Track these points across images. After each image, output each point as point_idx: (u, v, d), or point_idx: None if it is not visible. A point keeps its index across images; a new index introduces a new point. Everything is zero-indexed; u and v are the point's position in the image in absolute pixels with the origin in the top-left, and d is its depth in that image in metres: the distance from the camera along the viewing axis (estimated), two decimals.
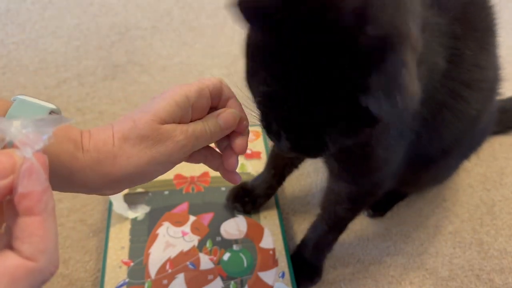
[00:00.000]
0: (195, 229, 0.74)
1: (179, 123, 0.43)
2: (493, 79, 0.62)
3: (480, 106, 0.59)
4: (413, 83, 0.35)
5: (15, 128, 0.28)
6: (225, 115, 0.45)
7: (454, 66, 0.51)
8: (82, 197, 0.81)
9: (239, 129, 0.47)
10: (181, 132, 0.42)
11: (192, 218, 0.75)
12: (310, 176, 0.87)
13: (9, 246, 0.28)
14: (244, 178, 0.81)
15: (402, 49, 0.35)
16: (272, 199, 0.78)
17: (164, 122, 0.41)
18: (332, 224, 0.68)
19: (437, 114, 0.55)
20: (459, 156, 0.73)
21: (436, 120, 0.56)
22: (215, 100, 0.46)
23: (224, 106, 0.47)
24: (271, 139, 0.47)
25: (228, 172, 0.48)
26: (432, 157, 0.64)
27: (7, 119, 0.29)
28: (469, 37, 0.53)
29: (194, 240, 0.72)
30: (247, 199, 0.76)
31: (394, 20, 0.36)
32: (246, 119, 0.47)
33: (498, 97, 0.68)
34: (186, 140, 0.42)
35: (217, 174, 0.81)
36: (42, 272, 0.28)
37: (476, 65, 0.55)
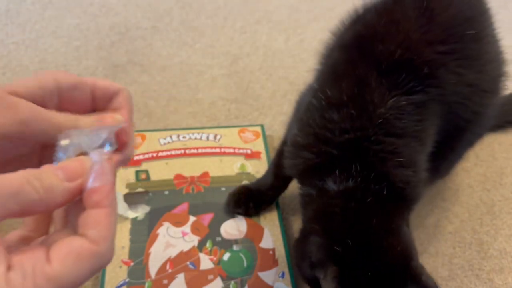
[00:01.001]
0: (195, 229, 0.74)
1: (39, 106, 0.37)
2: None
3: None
4: None
5: (85, 137, 0.34)
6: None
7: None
8: None
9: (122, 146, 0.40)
10: (27, 106, 0.35)
11: (192, 219, 0.75)
12: None
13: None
14: (244, 179, 0.82)
15: None
16: None
17: (16, 94, 0.36)
18: None
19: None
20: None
21: None
22: (101, 102, 0.40)
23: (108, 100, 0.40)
24: None
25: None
26: None
27: (78, 130, 0.35)
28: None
29: (194, 240, 0.72)
30: (252, 204, 0.76)
31: None
32: (131, 138, 0.41)
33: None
34: (29, 114, 0.35)
35: (217, 174, 0.82)
36: (103, 256, 0.32)
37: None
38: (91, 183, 0.32)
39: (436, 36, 0.56)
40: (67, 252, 0.29)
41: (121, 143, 0.39)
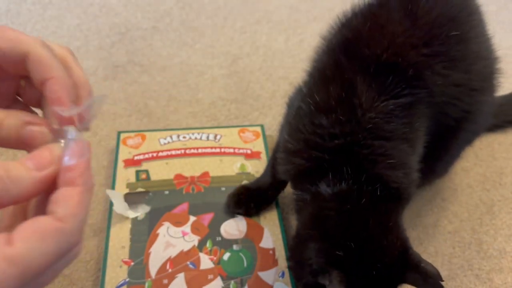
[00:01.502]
0: (195, 229, 0.74)
1: None
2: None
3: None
4: None
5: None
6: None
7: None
8: None
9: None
10: None
11: (192, 218, 0.75)
12: None
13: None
14: (244, 178, 0.82)
15: None
16: None
17: None
18: None
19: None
20: None
21: None
22: (17, 67, 0.34)
23: (40, 83, 0.34)
24: None
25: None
26: None
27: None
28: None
29: (194, 240, 0.73)
30: (252, 204, 0.76)
31: None
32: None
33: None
34: None
35: (217, 174, 0.83)
36: (69, 234, 0.29)
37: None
38: (66, 161, 0.31)
39: (420, 39, 0.57)
40: (31, 231, 0.28)
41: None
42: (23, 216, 0.35)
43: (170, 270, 0.69)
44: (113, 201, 0.75)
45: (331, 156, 0.55)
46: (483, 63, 0.63)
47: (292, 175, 0.60)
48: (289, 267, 0.61)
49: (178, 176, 0.82)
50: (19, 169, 0.30)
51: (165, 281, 0.67)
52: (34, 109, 0.40)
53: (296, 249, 0.58)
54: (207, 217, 0.76)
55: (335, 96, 0.55)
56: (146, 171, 0.82)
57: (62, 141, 0.33)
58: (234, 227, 0.75)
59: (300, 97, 0.61)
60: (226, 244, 0.73)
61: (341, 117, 0.54)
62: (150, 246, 0.72)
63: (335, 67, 0.58)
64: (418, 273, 0.51)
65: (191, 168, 0.83)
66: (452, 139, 0.67)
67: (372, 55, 0.56)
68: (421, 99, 0.56)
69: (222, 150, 0.86)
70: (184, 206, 0.77)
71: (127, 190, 0.79)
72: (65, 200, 0.30)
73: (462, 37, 0.59)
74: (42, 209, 0.31)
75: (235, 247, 0.72)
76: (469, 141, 0.75)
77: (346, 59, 0.57)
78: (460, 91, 0.60)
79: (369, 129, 0.54)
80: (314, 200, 0.57)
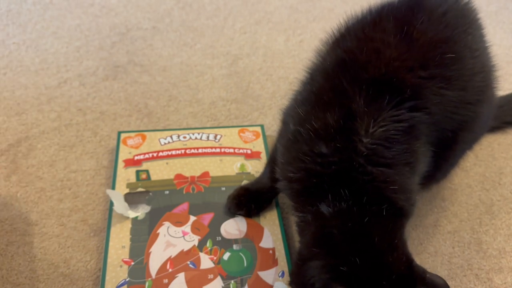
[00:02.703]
0: (195, 229, 0.74)
1: None
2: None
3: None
4: None
5: None
6: None
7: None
8: (83, 197, 0.82)
9: None
10: None
11: (192, 218, 0.76)
12: None
13: None
14: (244, 178, 0.82)
15: None
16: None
17: None
18: None
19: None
20: None
21: None
22: None
23: None
24: None
25: None
26: None
27: None
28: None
29: (194, 239, 0.73)
30: (253, 205, 0.76)
31: None
32: None
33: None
34: None
35: (217, 174, 0.83)
36: None
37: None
38: None
39: (416, 61, 0.57)
40: None
41: None
42: None
43: (170, 270, 0.69)
44: (113, 201, 0.75)
45: (330, 180, 0.55)
46: (479, 77, 0.63)
47: (293, 198, 0.61)
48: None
49: (178, 176, 0.82)
50: None
51: (165, 281, 0.67)
52: None
53: (298, 271, 0.57)
54: (207, 217, 0.76)
55: (333, 124, 0.55)
56: (146, 171, 0.82)
57: None
58: (234, 227, 0.75)
59: (297, 120, 0.60)
60: (226, 243, 0.73)
61: (338, 145, 0.54)
62: (151, 245, 0.72)
63: (332, 92, 0.57)
64: (425, 286, 0.50)
65: (191, 168, 0.83)
66: (451, 149, 0.68)
67: (370, 79, 0.56)
68: (420, 120, 0.56)
69: (222, 150, 0.87)
70: (184, 206, 0.77)
71: (127, 190, 0.79)
72: None
73: (457, 57, 0.59)
74: None
75: (235, 246, 0.72)
76: (467, 148, 0.75)
77: (343, 83, 0.57)
78: (456, 106, 0.60)
79: (366, 156, 0.54)
80: (315, 219, 0.56)
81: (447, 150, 0.67)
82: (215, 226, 0.75)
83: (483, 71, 0.64)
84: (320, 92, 0.59)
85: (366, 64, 0.57)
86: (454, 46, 0.60)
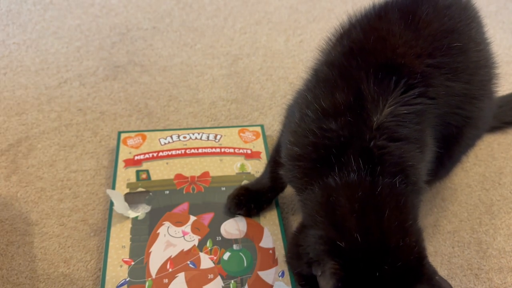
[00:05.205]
0: (195, 229, 0.74)
1: None
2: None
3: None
4: None
5: None
6: None
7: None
8: (83, 197, 0.82)
9: None
10: None
11: (192, 218, 0.76)
12: None
13: None
14: (244, 178, 0.82)
15: None
16: None
17: None
18: None
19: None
20: None
21: None
22: None
23: None
24: None
25: None
26: None
27: None
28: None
29: (194, 239, 0.73)
30: (253, 205, 0.76)
31: None
32: None
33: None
34: None
35: (217, 174, 0.83)
36: None
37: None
38: None
39: (424, 49, 0.57)
40: None
41: None
42: None
43: (170, 270, 0.69)
44: (114, 201, 0.75)
45: (338, 152, 0.53)
46: (483, 71, 0.64)
47: (298, 179, 0.58)
48: (287, 261, 0.58)
49: (179, 176, 0.82)
50: None
51: (166, 281, 0.67)
52: None
53: (295, 239, 0.55)
54: (207, 217, 0.76)
55: (342, 102, 0.55)
56: (147, 171, 0.82)
57: None
58: (234, 227, 0.75)
59: (304, 105, 0.59)
60: (226, 243, 0.73)
61: (350, 119, 0.53)
62: (151, 245, 0.72)
63: (339, 77, 0.57)
64: (431, 286, 0.47)
65: (191, 168, 0.83)
66: (455, 146, 0.67)
67: (378, 63, 0.56)
68: (429, 109, 0.56)
69: (222, 150, 0.87)
70: (185, 206, 0.77)
71: (127, 190, 0.79)
72: None
73: (463, 48, 0.60)
74: None
75: (235, 246, 0.73)
76: (471, 146, 0.75)
77: (351, 69, 0.57)
78: (461, 100, 0.60)
79: (378, 129, 0.53)
80: (322, 189, 0.54)
81: (452, 147, 0.67)
82: (215, 226, 0.75)
83: (487, 65, 0.65)
84: (328, 78, 0.59)
85: (374, 51, 0.57)
86: (460, 37, 0.60)
